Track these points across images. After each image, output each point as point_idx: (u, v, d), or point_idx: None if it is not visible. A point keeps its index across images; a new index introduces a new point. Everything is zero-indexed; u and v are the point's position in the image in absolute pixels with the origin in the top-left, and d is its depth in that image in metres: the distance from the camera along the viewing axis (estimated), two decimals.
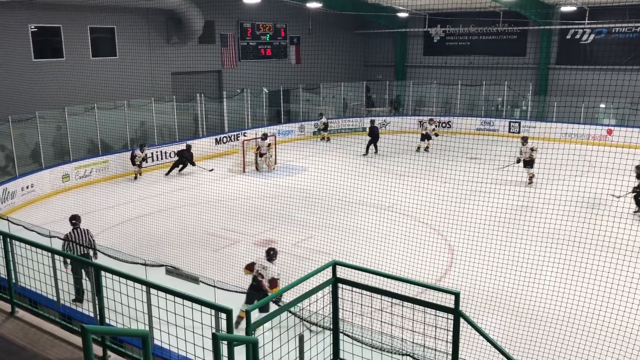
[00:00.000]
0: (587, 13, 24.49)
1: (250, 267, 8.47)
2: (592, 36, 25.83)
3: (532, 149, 17.84)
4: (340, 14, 27.21)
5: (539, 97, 26.41)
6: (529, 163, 17.69)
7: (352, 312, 5.00)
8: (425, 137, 22.77)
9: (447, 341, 4.72)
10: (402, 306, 4.89)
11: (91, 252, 9.28)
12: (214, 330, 4.69)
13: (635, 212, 14.41)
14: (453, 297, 4.61)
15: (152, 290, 5.12)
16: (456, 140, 21.66)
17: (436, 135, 22.98)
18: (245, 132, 22.78)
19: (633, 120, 22.74)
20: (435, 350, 4.80)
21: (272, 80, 24.79)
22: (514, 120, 25.87)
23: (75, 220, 9.54)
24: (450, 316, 4.55)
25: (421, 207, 13.34)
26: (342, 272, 5.23)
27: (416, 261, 10.19)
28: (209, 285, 6.94)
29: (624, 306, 8.24)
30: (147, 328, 5.20)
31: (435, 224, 12.97)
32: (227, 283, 7.68)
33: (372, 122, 23.14)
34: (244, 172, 19.40)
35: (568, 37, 26.46)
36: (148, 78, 21.02)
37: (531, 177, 17.65)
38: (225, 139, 22.69)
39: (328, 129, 25.53)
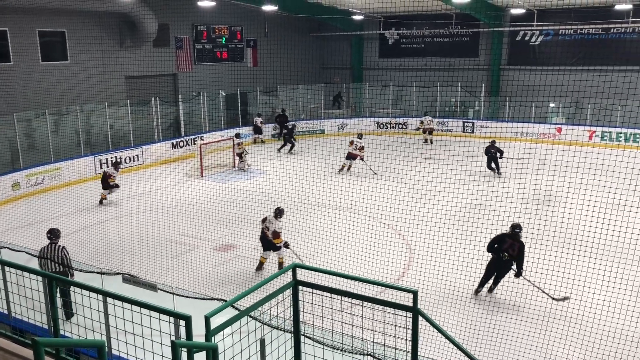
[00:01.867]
0: (535, 15, 25.26)
1: (263, 220, 10.81)
2: (540, 38, 26.66)
3: (360, 148, 19.12)
4: (296, 17, 27.28)
5: (492, 97, 27.08)
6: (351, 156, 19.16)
7: (313, 314, 5.02)
8: (428, 131, 24.44)
9: (406, 339, 4.79)
10: (362, 306, 4.94)
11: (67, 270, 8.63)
12: (173, 338, 4.64)
13: None
14: (411, 295, 4.68)
15: (109, 299, 5.02)
16: (412, 141, 22.00)
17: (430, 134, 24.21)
18: (202, 136, 22.55)
19: (580, 118, 23.58)
20: (395, 348, 4.87)
21: (229, 83, 24.62)
22: (468, 121, 26.44)
23: (50, 234, 8.85)
24: (409, 314, 4.62)
25: (380, 207, 13.49)
26: (302, 275, 5.25)
27: (376, 261, 10.30)
28: (168, 292, 6.85)
29: (578, 298, 8.52)
30: (104, 338, 5.10)
31: (394, 224, 13.13)
32: (187, 289, 7.59)
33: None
34: (202, 176, 19.20)
35: (518, 38, 27.24)
36: (101, 82, 20.58)
37: (350, 167, 19.22)
38: (182, 143, 22.41)
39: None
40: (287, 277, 5.09)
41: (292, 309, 5.03)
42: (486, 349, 7.26)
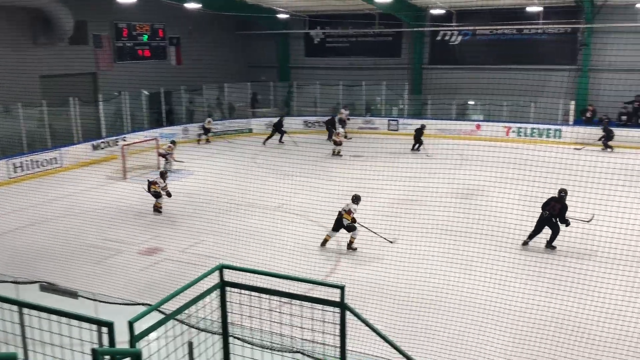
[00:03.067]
0: (454, 16, 26.19)
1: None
2: (459, 38, 27.67)
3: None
4: (220, 15, 26.88)
5: (415, 96, 27.84)
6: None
7: (241, 315, 4.99)
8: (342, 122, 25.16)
9: (334, 335, 4.84)
10: (291, 304, 4.96)
11: None
12: (95, 346, 4.47)
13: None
14: (339, 291, 4.74)
15: (25, 309, 4.76)
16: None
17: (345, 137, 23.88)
18: (124, 137, 21.82)
19: (497, 115, 24.69)
20: (324, 344, 4.91)
21: (152, 82, 23.95)
22: (393, 119, 27.05)
23: None
24: (337, 310, 4.68)
25: (309, 205, 13.58)
26: (231, 276, 5.20)
27: (306, 259, 10.35)
28: (89, 299, 6.59)
29: (501, 290, 8.91)
30: (21, 351, 4.84)
31: (323, 222, 13.23)
32: (110, 296, 7.34)
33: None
34: (125, 178, 18.58)
35: (438, 38, 28.13)
36: (13, 82, 19.45)
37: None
38: (103, 145, 21.59)
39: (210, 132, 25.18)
40: (215, 279, 5.02)
41: (219, 311, 4.97)
42: (413, 341, 7.46)
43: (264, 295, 4.93)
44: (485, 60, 26.19)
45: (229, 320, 5.11)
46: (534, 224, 11.69)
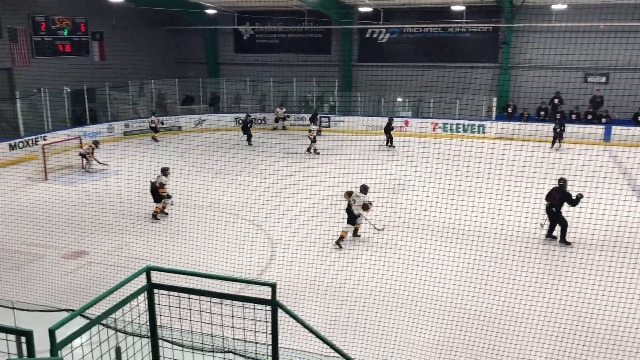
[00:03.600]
0: (381, 14, 26.65)
1: (348, 194, 12.02)
2: (387, 36, 28.20)
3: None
4: (146, 9, 26.11)
5: (345, 93, 28.15)
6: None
7: (170, 317, 4.87)
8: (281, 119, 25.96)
9: (267, 333, 4.82)
10: (222, 304, 4.89)
11: None
12: (14, 357, 4.24)
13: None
14: (270, 288, 4.72)
15: None
16: (271, 136, 22.18)
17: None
18: (45, 136, 20.82)
19: (424, 112, 25.39)
20: (256, 343, 4.89)
21: (74, 79, 22.95)
22: (324, 115, 27.23)
23: None
24: (269, 308, 4.66)
25: (241, 203, 13.45)
26: (160, 277, 5.07)
27: (239, 257, 10.25)
28: (6, 307, 6.24)
29: (432, 281, 9.16)
30: None
31: (256, 219, 13.16)
32: (31, 303, 6.98)
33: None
34: (46, 179, 17.73)
35: (367, 36, 28.55)
36: None
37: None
38: (21, 144, 20.50)
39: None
40: (143, 281, 4.88)
41: (147, 314, 4.84)
42: (346, 336, 7.56)
43: (194, 296, 4.84)
44: (412, 58, 26.82)
45: (158, 322, 4.99)
46: (460, 214, 12.11)
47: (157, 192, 13.44)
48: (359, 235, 12.37)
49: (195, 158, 19.66)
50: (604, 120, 23.53)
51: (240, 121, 24.89)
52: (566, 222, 11.50)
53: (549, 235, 11.86)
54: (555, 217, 11.59)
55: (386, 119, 23.17)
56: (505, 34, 25.49)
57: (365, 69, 28.18)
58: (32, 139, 20.72)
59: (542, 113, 24.59)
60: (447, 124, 24.58)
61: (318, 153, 21.27)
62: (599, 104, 24.20)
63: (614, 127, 22.61)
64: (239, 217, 13.60)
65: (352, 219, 12.01)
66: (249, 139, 23.41)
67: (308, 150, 21.53)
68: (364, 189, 12.33)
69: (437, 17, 26.14)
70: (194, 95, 29.56)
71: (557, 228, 11.80)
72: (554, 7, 23.07)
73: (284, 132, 25.74)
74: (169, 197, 13.63)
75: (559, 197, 11.46)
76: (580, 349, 7.31)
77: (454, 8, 25.06)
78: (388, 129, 22.58)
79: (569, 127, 21.96)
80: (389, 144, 22.54)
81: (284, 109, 26.73)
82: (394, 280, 9.30)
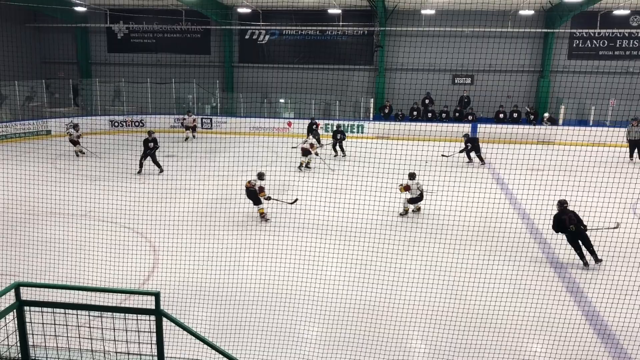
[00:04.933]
0: (260, 15, 26.72)
1: (249, 182, 13.16)
2: (267, 37, 28.32)
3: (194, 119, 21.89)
4: (4, 4, 24.08)
5: (227, 94, 27.89)
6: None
7: (44, 335, 4.57)
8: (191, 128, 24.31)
9: (152, 343, 4.68)
10: (102, 317, 4.67)
11: None
12: None
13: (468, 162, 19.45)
14: (154, 298, 4.58)
15: None
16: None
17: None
18: None
19: (306, 113, 25.80)
20: (140, 355, 4.72)
21: None
22: (206, 117, 26.79)
23: None
24: (152, 317, 4.53)
25: (119, 210, 12.84)
26: (31, 294, 4.73)
27: (120, 267, 9.79)
28: None
29: (314, 278, 9.33)
30: None
31: (136, 226, 12.63)
32: None
33: None
34: None
35: (247, 37, 28.49)
36: None
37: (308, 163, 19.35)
38: None
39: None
40: (10, 299, 4.53)
41: (18, 333, 4.50)
42: (236, 340, 7.51)
43: (70, 311, 4.58)
44: (293, 60, 27.20)
45: (30, 342, 4.66)
46: (338, 212, 12.47)
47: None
48: (407, 210, 13.72)
49: (67, 164, 18.48)
50: (470, 118, 25.37)
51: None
52: (588, 237, 10.50)
53: (585, 262, 10.51)
54: (581, 238, 10.47)
55: (268, 120, 23.23)
56: (380, 38, 26.61)
57: (247, 69, 28.12)
58: None
59: (415, 113, 25.98)
60: (329, 124, 25.21)
61: (309, 168, 18.50)
62: (467, 104, 26.06)
63: (479, 124, 24.45)
64: (118, 224, 12.99)
65: (256, 200, 13.12)
66: (342, 151, 20.75)
67: (305, 165, 18.39)
68: (261, 176, 13.21)
69: (316, 19, 26.72)
70: (63, 97, 27.72)
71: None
72: (423, 12, 24.49)
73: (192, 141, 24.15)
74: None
75: (573, 215, 10.48)
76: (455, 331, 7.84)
77: (331, 11, 25.74)
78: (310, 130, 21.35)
79: (441, 126, 23.42)
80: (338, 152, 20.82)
81: (193, 116, 25.00)
82: (280, 281, 9.39)
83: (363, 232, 11.73)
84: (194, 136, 24.33)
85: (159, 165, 17.40)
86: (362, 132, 25.23)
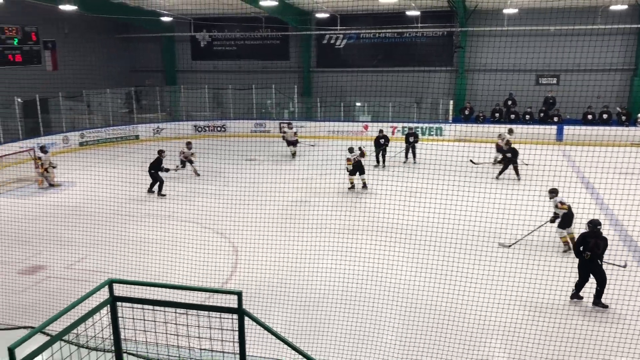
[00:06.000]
0: (338, 20, 26.87)
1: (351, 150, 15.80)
2: (344, 41, 28.44)
3: (295, 133, 20.58)
4: (99, 17, 25.62)
5: (304, 98, 28.23)
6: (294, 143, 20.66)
7: (135, 330, 4.80)
8: (291, 143, 21.52)
9: (234, 341, 4.80)
10: (187, 315, 4.85)
11: None
12: None
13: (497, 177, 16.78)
14: (236, 297, 4.70)
15: None
16: (232, 143, 22.05)
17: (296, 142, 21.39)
18: None
19: (383, 116, 25.68)
20: (223, 352, 4.85)
21: (26, 89, 22.32)
22: (284, 121, 27.23)
23: None
24: (235, 316, 4.64)
25: (203, 211, 13.29)
26: (123, 290, 4.98)
27: (203, 267, 10.13)
28: None
29: (390, 284, 9.27)
30: None
31: (218, 228, 13.03)
32: None
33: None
34: None
35: (324, 41, 28.74)
36: None
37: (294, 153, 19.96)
38: None
39: None
40: (105, 294, 4.79)
41: (111, 327, 4.75)
42: (314, 342, 7.57)
43: (158, 308, 4.78)
44: (370, 63, 27.15)
45: (122, 336, 4.91)
46: (420, 216, 12.26)
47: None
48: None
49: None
50: (556, 120, 24.27)
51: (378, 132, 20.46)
52: (605, 276, 8.92)
53: (576, 295, 9.23)
54: (594, 271, 8.94)
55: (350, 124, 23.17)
56: (460, 38, 26.04)
57: (324, 74, 28.33)
58: None
59: (496, 115, 25.19)
60: (406, 127, 24.93)
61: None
62: (552, 105, 24.97)
63: (565, 126, 23.34)
64: (202, 225, 13.45)
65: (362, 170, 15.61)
66: (414, 156, 19.99)
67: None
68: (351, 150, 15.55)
69: (393, 22, 26.52)
70: (150, 103, 29.09)
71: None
72: (505, 11, 23.71)
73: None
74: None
75: (603, 246, 8.91)
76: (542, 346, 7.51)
77: (409, 13, 25.46)
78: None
79: (524, 128, 22.57)
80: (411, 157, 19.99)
81: (294, 129, 22.33)
82: (360, 284, 9.37)
83: (441, 237, 11.50)
84: (294, 154, 21.61)
85: (152, 188, 16.36)
86: (441, 135, 24.77)
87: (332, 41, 28.58)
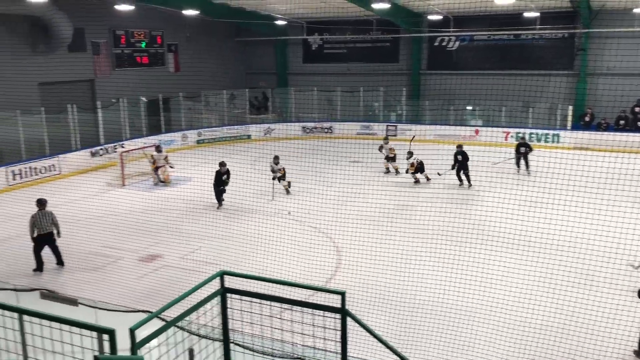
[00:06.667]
0: (451, 22, 26.27)
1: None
2: (457, 43, 27.75)
3: (390, 149, 19.50)
4: (218, 22, 26.97)
5: (413, 101, 27.88)
6: (392, 159, 19.65)
7: (242, 321, 4.98)
8: (390, 159, 19.81)
9: (336, 341, 4.84)
10: (292, 310, 4.96)
11: (55, 231, 11.34)
12: (96, 354, 4.46)
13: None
14: (340, 297, 4.74)
15: (25, 317, 4.76)
16: (338, 144, 22.29)
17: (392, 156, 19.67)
18: (123, 144, 21.81)
19: (495, 120, 24.71)
20: (325, 350, 4.91)
21: (150, 89, 23.99)
22: (391, 124, 27.08)
23: (40, 203, 11.39)
24: (338, 316, 4.68)
25: (307, 210, 13.56)
26: (231, 282, 5.19)
27: (305, 264, 10.34)
28: (89, 306, 6.58)
29: (500, 293, 8.91)
30: (21, 358, 4.83)
31: (322, 227, 13.23)
32: (110, 303, 7.32)
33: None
34: (124, 185, 18.57)
35: (436, 44, 28.22)
36: (12, 89, 19.45)
37: (397, 169, 19.43)
38: (101, 152, 21.58)
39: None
40: (216, 285, 5.02)
41: (220, 317, 4.97)
42: (415, 348, 7.46)
43: (264, 302, 4.93)
44: (483, 66, 26.26)
45: (230, 326, 5.11)
46: (531, 226, 11.67)
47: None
48: None
49: (264, 166, 20.03)
50: None
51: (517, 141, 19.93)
52: None
53: None
54: None
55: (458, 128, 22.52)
56: (582, 40, 24.49)
57: (434, 76, 27.81)
58: (110, 147, 21.76)
59: (621, 122, 23.40)
60: (520, 133, 23.85)
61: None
62: None
63: None
64: (304, 223, 13.71)
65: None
66: (527, 166, 18.79)
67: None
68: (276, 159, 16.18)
69: (509, 23, 25.48)
70: (261, 105, 30.15)
71: None
72: (636, 10, 21.97)
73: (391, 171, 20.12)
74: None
75: None
76: None
77: (528, 14, 24.34)
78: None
79: None
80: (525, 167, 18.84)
81: (391, 144, 20.00)
82: (468, 292, 9.10)
83: (551, 248, 10.88)
84: (395, 169, 19.75)
85: (221, 199, 15.82)
86: (558, 142, 23.42)
87: (444, 43, 28.00)
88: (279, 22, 28.64)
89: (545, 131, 23.75)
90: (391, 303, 9.26)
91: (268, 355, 5.33)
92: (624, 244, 9.85)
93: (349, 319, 4.76)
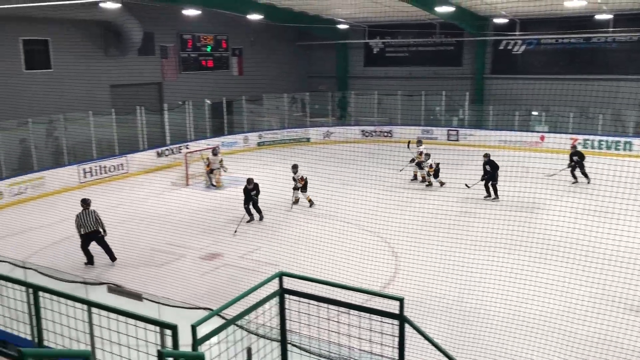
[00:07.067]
0: (517, 25, 25.58)
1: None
2: (523, 47, 26.99)
3: (420, 153, 18.80)
4: (281, 26, 27.35)
5: (476, 106, 27.30)
6: (419, 164, 18.77)
7: (300, 323, 5.02)
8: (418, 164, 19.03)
9: (393, 347, 4.80)
10: (349, 314, 4.95)
11: (100, 229, 11.84)
12: (159, 348, 4.61)
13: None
14: (398, 303, 4.70)
15: (94, 309, 4.97)
16: (397, 148, 22.10)
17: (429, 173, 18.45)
18: (187, 145, 22.46)
19: (562, 127, 23.84)
20: (382, 356, 4.88)
21: (215, 92, 24.59)
22: (452, 129, 26.62)
23: (85, 203, 11.90)
24: (396, 322, 4.64)
25: (365, 214, 13.52)
26: (289, 283, 5.25)
27: (363, 269, 10.31)
28: (153, 301, 6.80)
29: (560, 306, 8.60)
30: (89, 348, 5.05)
31: (379, 232, 13.15)
32: (172, 299, 7.54)
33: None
34: (187, 185, 19.11)
35: (501, 47, 27.54)
36: (85, 91, 20.44)
37: (423, 177, 18.71)
38: (167, 152, 22.30)
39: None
40: (274, 286, 5.09)
41: (278, 318, 5.03)
42: (473, 357, 7.30)
43: (322, 304, 4.95)
44: (550, 70, 25.45)
45: (287, 327, 5.16)
46: (595, 238, 11.17)
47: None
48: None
49: (323, 169, 20.13)
50: None
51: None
52: None
53: None
54: None
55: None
56: None
57: (499, 81, 27.12)
58: (176, 147, 22.46)
59: None
60: (588, 140, 22.91)
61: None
62: None
63: None
64: (363, 228, 13.67)
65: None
66: (585, 175, 17.87)
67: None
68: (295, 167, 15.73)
69: (579, 26, 24.54)
70: (321, 107, 30.26)
71: None
72: None
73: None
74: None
75: None
76: None
77: (599, 17, 23.38)
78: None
79: None
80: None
81: (431, 161, 18.31)
82: (528, 303, 8.83)
83: (616, 261, 10.38)
84: (422, 178, 18.91)
85: (259, 212, 15.11)
86: (630, 150, 22.36)
87: (510, 47, 27.29)
88: (341, 26, 28.72)
89: (617, 138, 22.73)
90: (448, 310, 9.10)
91: (325, 357, 5.35)
92: None
93: (407, 326, 4.71)
